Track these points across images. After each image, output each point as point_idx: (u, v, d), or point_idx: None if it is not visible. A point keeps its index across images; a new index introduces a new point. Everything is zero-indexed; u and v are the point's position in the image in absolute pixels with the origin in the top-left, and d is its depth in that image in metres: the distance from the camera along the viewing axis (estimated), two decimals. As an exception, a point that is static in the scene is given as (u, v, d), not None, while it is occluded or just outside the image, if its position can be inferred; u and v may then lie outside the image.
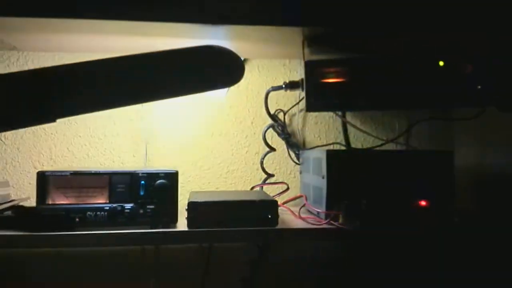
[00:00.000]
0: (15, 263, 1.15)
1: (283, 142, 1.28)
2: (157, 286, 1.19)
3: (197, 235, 0.92)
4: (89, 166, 1.21)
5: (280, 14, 0.90)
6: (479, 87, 0.97)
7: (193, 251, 1.20)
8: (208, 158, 1.27)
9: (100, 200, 0.91)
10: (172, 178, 0.93)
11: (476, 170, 1.17)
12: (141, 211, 0.91)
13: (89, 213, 0.89)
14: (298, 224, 0.97)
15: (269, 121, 1.26)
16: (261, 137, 1.25)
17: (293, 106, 1.28)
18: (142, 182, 0.92)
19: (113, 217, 0.90)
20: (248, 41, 1.05)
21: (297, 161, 1.27)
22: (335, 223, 0.93)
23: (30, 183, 1.19)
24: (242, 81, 0.73)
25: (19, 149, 1.20)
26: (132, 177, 0.92)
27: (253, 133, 1.29)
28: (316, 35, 0.96)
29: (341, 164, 0.98)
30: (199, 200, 0.91)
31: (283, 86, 1.12)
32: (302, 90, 1.01)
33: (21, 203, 1.01)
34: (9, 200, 1.04)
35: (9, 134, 1.20)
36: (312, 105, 0.99)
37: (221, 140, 1.28)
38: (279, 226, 0.93)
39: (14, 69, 1.19)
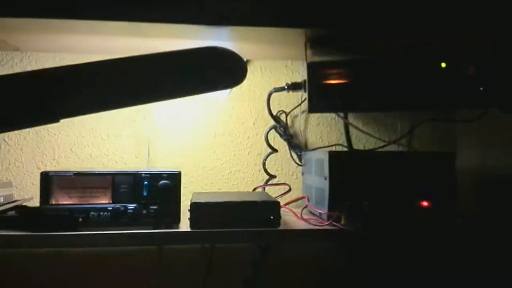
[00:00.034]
0: (19, 263, 1.15)
1: (285, 143, 1.28)
2: (159, 286, 1.19)
3: (200, 236, 0.92)
4: (92, 166, 1.22)
5: (283, 16, 0.90)
6: (481, 88, 0.97)
7: (195, 251, 1.20)
8: (210, 159, 1.27)
9: (103, 201, 0.91)
10: (175, 178, 0.93)
11: (478, 171, 1.17)
12: (144, 211, 0.91)
13: (92, 213, 0.90)
14: (300, 225, 0.97)
15: (271, 122, 1.26)
16: (263, 138, 1.26)
17: (295, 108, 1.28)
18: (145, 182, 0.92)
19: (116, 218, 0.90)
20: (251, 42, 1.05)
21: (299, 162, 1.27)
22: (337, 224, 0.93)
23: (33, 184, 1.19)
24: (245, 82, 0.73)
25: (22, 149, 1.20)
26: (135, 177, 0.93)
27: (255, 134, 1.29)
28: (319, 37, 0.97)
29: (343, 165, 0.98)
30: (201, 201, 0.92)
31: (286, 87, 1.13)
32: (305, 91, 1.01)
33: (24, 203, 1.01)
34: (12, 200, 1.05)
35: (12, 134, 1.20)
36: (315, 106, 0.99)
37: (224, 141, 1.28)
38: (281, 227, 0.93)
39: (17, 69, 1.19)
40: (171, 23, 0.87)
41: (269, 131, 1.26)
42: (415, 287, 1.19)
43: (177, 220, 0.93)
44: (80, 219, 0.89)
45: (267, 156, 1.26)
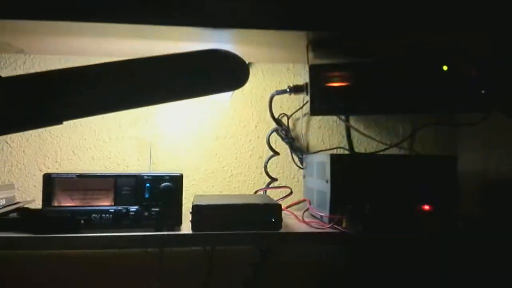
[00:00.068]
0: (19, 264, 1.16)
1: (286, 146, 1.28)
2: (160, 288, 1.19)
3: (201, 238, 0.92)
4: (94, 169, 1.22)
5: (284, 18, 0.91)
6: (483, 91, 0.97)
7: (196, 253, 1.20)
8: (212, 161, 1.27)
9: (106, 203, 0.92)
10: (177, 181, 0.94)
11: (480, 174, 1.17)
12: (146, 213, 0.92)
13: (94, 215, 0.90)
14: (302, 228, 0.97)
15: (273, 125, 1.26)
16: (265, 141, 1.26)
17: (297, 111, 1.28)
18: (147, 185, 0.92)
19: (118, 220, 0.91)
20: (252, 45, 1.05)
21: (300, 165, 1.27)
22: (339, 227, 0.93)
23: (35, 186, 1.19)
24: (246, 85, 0.74)
25: (24, 151, 1.21)
26: (137, 180, 0.93)
27: (257, 137, 1.29)
28: (320, 39, 0.97)
29: (345, 169, 0.98)
30: (203, 203, 0.92)
31: (287, 90, 1.13)
32: (307, 94, 1.02)
33: (26, 205, 1.02)
34: (14, 202, 1.05)
35: (15, 136, 1.20)
36: (317, 109, 0.99)
37: (225, 143, 1.28)
38: (282, 230, 0.93)
39: (21, 72, 1.20)
40: (173, 25, 0.88)
41: (271, 134, 1.26)
42: (417, 290, 1.19)
43: (178, 222, 0.93)
44: (82, 221, 0.89)
45: (269, 159, 1.26)
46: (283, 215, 0.94)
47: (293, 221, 1.03)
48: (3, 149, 1.20)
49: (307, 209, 1.07)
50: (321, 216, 1.00)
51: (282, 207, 0.95)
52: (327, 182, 0.98)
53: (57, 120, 0.69)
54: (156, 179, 0.93)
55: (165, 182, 0.93)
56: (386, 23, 0.92)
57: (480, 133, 1.19)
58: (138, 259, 1.19)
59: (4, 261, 1.15)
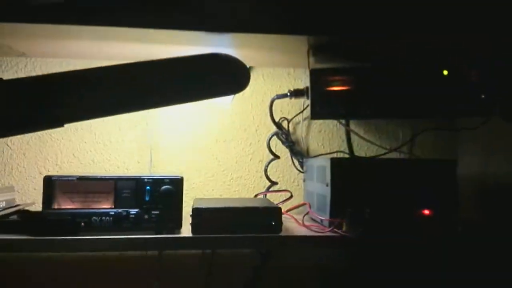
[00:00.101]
0: (19, 265, 1.15)
1: (287, 150, 1.28)
2: (160, 291, 1.19)
3: (201, 241, 0.92)
4: (94, 172, 1.22)
5: (285, 21, 0.91)
6: (483, 96, 0.98)
7: (196, 256, 1.20)
8: (212, 165, 1.27)
9: (106, 205, 0.92)
10: (177, 184, 0.94)
11: (480, 179, 1.17)
12: (146, 216, 0.92)
13: (94, 218, 0.90)
14: (302, 231, 0.97)
15: (273, 128, 1.26)
16: (265, 144, 1.26)
17: (297, 114, 1.29)
18: (148, 187, 0.92)
19: (118, 222, 0.91)
20: (253, 49, 1.06)
21: (300, 169, 1.27)
22: (339, 231, 0.93)
23: (35, 189, 1.19)
24: (247, 89, 0.74)
25: (25, 154, 1.21)
26: (137, 182, 0.93)
27: (257, 141, 1.29)
28: (321, 44, 0.97)
29: (345, 172, 0.98)
30: (203, 207, 0.92)
31: (288, 94, 1.13)
32: (307, 98, 1.02)
33: (26, 208, 1.02)
34: (14, 205, 1.05)
35: (15, 139, 1.21)
36: (317, 113, 1.00)
37: (226, 147, 1.28)
38: (282, 233, 0.93)
39: (22, 75, 1.20)
40: (173, 29, 0.88)
41: (271, 137, 1.26)
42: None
43: (179, 225, 0.93)
44: (82, 224, 0.89)
45: (269, 163, 1.26)
46: (283, 218, 0.94)
47: (293, 224, 1.03)
48: (3, 152, 1.20)
49: (307, 213, 1.07)
50: (321, 220, 1.00)
51: (282, 210, 0.95)
52: (327, 185, 0.98)
53: (58, 122, 0.69)
54: (157, 182, 0.93)
55: (165, 185, 0.93)
56: (386, 23, 0.92)
57: (480, 138, 1.19)
58: (138, 261, 1.19)
59: (4, 263, 1.15)
